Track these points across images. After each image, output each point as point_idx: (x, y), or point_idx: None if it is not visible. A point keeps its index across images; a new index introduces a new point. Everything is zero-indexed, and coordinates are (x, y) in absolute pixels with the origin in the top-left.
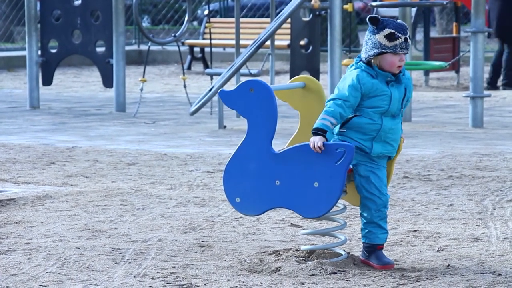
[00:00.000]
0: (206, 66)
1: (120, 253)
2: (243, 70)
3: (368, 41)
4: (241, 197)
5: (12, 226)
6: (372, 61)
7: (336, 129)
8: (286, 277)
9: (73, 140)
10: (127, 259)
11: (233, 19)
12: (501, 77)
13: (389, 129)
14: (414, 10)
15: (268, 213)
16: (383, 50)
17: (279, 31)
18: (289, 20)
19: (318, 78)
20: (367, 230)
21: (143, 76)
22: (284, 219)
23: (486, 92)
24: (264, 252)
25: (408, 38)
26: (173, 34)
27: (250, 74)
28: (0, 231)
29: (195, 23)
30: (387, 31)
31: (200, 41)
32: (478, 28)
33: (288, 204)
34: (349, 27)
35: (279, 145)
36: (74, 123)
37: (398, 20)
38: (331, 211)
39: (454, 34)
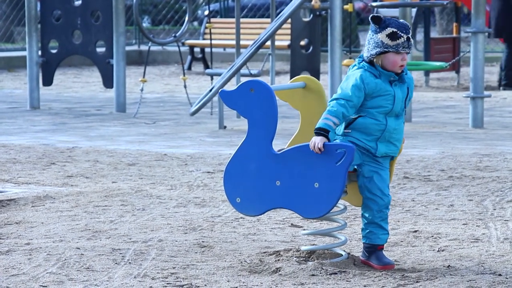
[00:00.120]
0: (207, 67)
1: (120, 253)
2: (244, 71)
3: (371, 40)
4: (241, 197)
5: (13, 227)
6: (374, 60)
7: (341, 130)
8: (286, 277)
9: (74, 140)
10: (128, 260)
11: (233, 20)
12: (501, 78)
13: (393, 129)
14: (414, 10)
15: (269, 213)
16: (385, 49)
17: (279, 31)
18: (289, 20)
19: (318, 79)
20: (368, 231)
21: (144, 77)
22: (285, 219)
23: (486, 93)
24: (264, 252)
25: (410, 37)
26: (173, 35)
27: (251, 75)
28: (0, 231)
29: (195, 23)
30: (389, 30)
31: (200, 41)
32: (478, 28)
33: (289, 204)
34: (349, 27)
35: (279, 145)
36: (74, 123)
37: (401, 20)
38: (331, 211)
39: (454, 35)
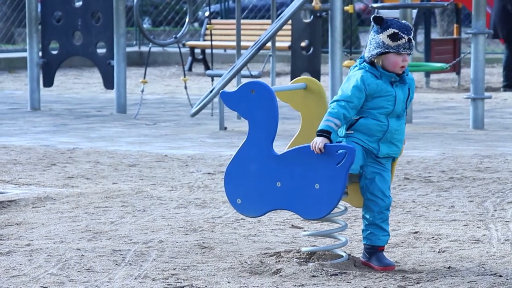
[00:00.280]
0: (207, 68)
1: (121, 254)
2: (244, 72)
3: (372, 40)
4: (242, 198)
5: (13, 228)
6: (375, 60)
7: (343, 131)
8: (287, 278)
9: (74, 141)
10: (128, 261)
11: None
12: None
13: (395, 130)
14: (415, 11)
15: (269, 214)
16: (386, 50)
17: (280, 32)
18: (290, 21)
19: (319, 80)
20: (368, 232)
21: (144, 78)
22: (285, 220)
23: (486, 94)
24: (265, 253)
25: (411, 38)
26: (174, 36)
27: (251, 76)
28: (1, 232)
29: (196, 24)
30: (390, 31)
31: (201, 42)
32: (479, 29)
33: (289, 205)
34: (350, 28)
35: (280, 146)
36: (75, 124)
37: (403, 21)
38: (332, 212)
39: (455, 36)
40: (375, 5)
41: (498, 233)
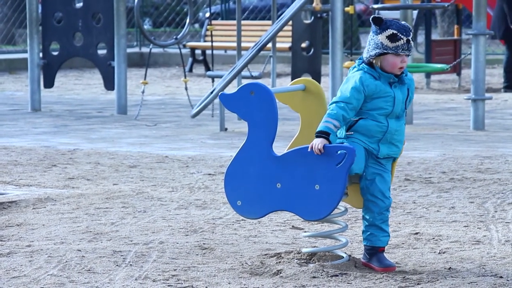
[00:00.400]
0: (208, 69)
1: (121, 255)
2: (245, 73)
3: (371, 41)
4: (242, 200)
5: (14, 229)
6: (374, 61)
7: (343, 133)
8: (287, 279)
9: (75, 142)
10: (129, 262)
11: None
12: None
13: (395, 131)
14: (415, 12)
15: (270, 215)
16: (385, 51)
17: (280, 33)
18: (290, 22)
19: (319, 81)
20: (369, 233)
21: (145, 79)
22: (286, 221)
23: (487, 95)
24: (265, 254)
25: (410, 39)
26: (174, 37)
27: (252, 77)
28: (1, 233)
29: (196, 25)
30: (389, 31)
31: (201, 43)
32: (479, 30)
33: (289, 206)
34: (350, 29)
35: (280, 147)
36: (75, 125)
37: (402, 22)
38: (332, 213)
39: (455, 37)
40: (375, 6)
41: (498, 234)
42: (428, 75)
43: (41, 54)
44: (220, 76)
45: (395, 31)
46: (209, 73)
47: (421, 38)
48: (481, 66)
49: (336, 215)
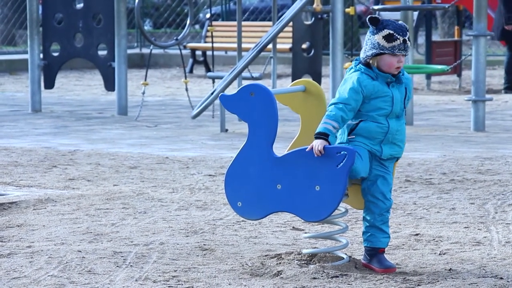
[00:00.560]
0: (208, 70)
1: (122, 256)
2: (245, 74)
3: (368, 41)
4: (242, 201)
5: (14, 229)
6: (371, 61)
7: (345, 137)
8: (288, 280)
9: (75, 143)
10: (129, 263)
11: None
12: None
13: (396, 131)
14: (416, 13)
15: (270, 216)
16: (381, 51)
17: (281, 34)
18: (291, 23)
19: (320, 82)
20: (369, 234)
21: (145, 80)
22: (286, 222)
23: (487, 96)
24: (266, 255)
25: (407, 39)
26: (175, 38)
27: (252, 78)
28: (2, 234)
29: (197, 26)
30: (386, 32)
31: (202, 44)
32: (480, 31)
33: (290, 208)
34: (351, 30)
35: (280, 148)
36: (76, 126)
37: (399, 22)
38: (332, 214)
39: (456, 38)
40: (376, 7)
41: (499, 235)
42: (428, 76)
43: (41, 55)
44: (220, 77)
45: (391, 31)
46: (209, 74)
47: (421, 39)
48: (481, 67)
49: (336, 216)
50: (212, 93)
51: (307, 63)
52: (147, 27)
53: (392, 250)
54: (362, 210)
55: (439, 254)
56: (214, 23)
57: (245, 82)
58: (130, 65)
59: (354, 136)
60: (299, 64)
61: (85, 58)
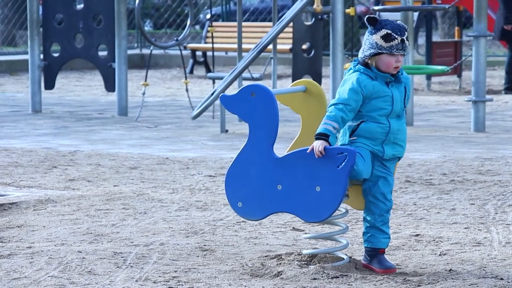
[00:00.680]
0: (208, 70)
1: (122, 257)
2: (245, 74)
3: (366, 41)
4: (243, 202)
5: (14, 230)
6: (369, 61)
7: (346, 139)
8: (288, 281)
9: (75, 144)
10: (129, 263)
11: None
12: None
13: (397, 130)
14: (416, 14)
15: (270, 217)
16: (379, 51)
17: (281, 35)
18: (291, 24)
19: (320, 82)
20: (369, 234)
21: (145, 80)
22: (286, 223)
23: (488, 97)
24: (266, 256)
25: (405, 39)
26: (175, 38)
27: (252, 78)
28: (2, 235)
29: (197, 27)
30: (383, 31)
31: (202, 45)
32: (480, 32)
33: (290, 208)
34: (351, 31)
35: (280, 149)
36: (76, 127)
37: (398, 21)
38: (333, 215)
39: (456, 39)
40: (376, 8)
41: (499, 236)
42: (428, 77)
43: (41, 56)
44: (220, 78)
45: (389, 31)
46: (209, 74)
47: (421, 40)
48: (481, 68)
49: (336, 216)
50: (212, 94)
51: (307, 63)
52: (148, 27)
53: (392, 251)
54: (362, 211)
55: (439, 254)
56: (214, 23)
57: (246, 83)
58: (130, 65)
59: (355, 138)
60: (299, 65)
61: (86, 59)
